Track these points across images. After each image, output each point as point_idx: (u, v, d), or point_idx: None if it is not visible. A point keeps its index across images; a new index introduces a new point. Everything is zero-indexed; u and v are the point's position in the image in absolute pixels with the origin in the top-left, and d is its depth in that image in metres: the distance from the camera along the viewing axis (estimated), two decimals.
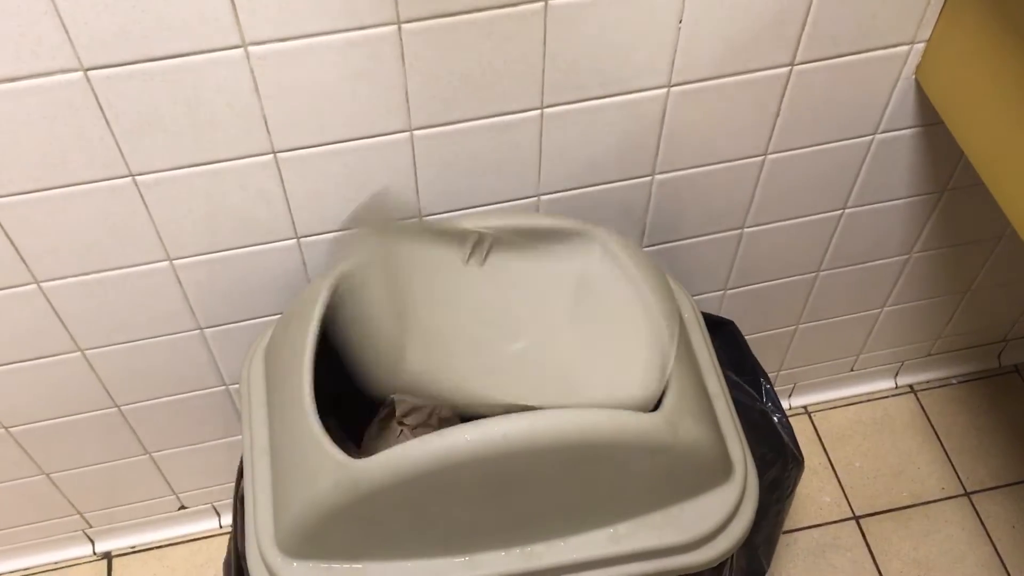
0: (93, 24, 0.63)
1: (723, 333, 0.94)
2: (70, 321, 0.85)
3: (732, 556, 0.74)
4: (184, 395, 0.98)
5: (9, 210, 0.74)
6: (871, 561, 1.19)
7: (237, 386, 1.00)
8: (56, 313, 0.84)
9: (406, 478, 0.62)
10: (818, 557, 1.19)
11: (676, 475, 0.70)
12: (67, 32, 0.63)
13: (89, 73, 0.66)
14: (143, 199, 0.76)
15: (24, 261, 0.79)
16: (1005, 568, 1.18)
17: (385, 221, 0.76)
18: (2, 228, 0.75)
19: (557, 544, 0.70)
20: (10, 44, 0.63)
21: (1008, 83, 0.74)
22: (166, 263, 0.83)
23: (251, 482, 0.73)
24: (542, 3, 0.70)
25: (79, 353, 0.89)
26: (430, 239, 0.74)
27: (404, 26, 0.69)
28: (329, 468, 0.64)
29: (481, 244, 0.74)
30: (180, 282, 0.85)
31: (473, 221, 0.75)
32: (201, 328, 0.90)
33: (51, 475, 1.04)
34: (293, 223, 0.82)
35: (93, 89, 0.67)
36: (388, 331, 0.69)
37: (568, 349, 0.71)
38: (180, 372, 0.95)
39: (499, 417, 0.62)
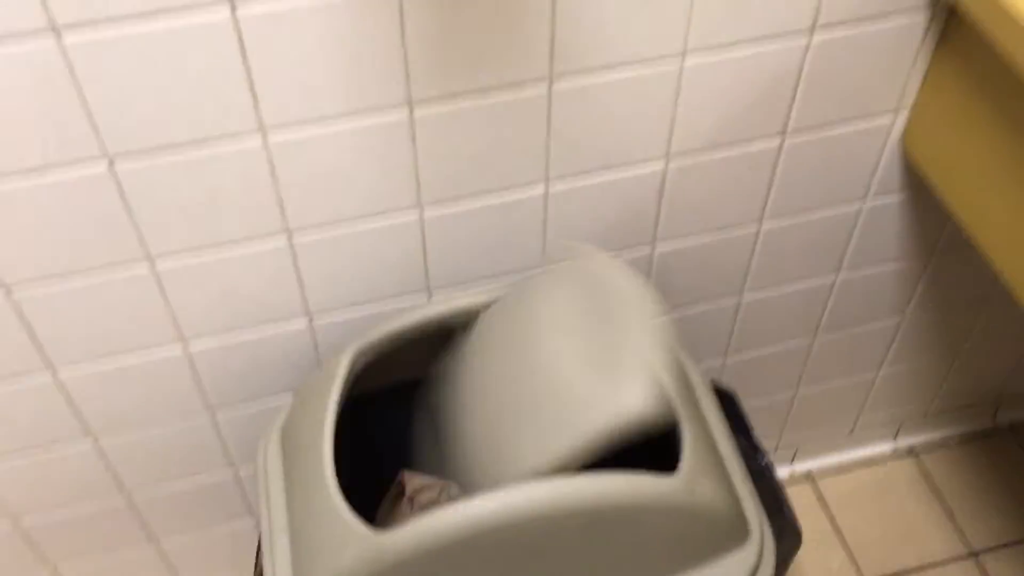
0: (119, 115, 0.66)
1: (724, 406, 0.95)
2: (81, 405, 0.86)
3: None
4: (192, 477, 0.98)
5: (27, 294, 0.75)
6: None
7: (246, 468, 1.00)
8: (68, 397, 0.85)
9: (432, 548, 0.63)
10: None
11: (694, 537, 0.70)
12: (93, 122, 0.66)
13: (114, 160, 0.68)
14: (159, 282, 0.78)
15: (39, 346, 0.80)
16: None
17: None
18: (19, 312, 0.77)
19: None
20: (38, 134, 0.65)
21: (992, 146, 0.77)
22: (179, 344, 0.84)
23: (271, 562, 0.73)
24: (546, 84, 0.74)
25: (90, 437, 0.89)
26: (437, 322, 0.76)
27: (415, 108, 0.72)
28: (354, 542, 0.64)
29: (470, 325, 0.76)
30: (192, 363, 0.86)
31: (468, 300, 0.77)
32: (212, 408, 0.91)
33: (57, 565, 1.03)
34: (305, 301, 0.84)
35: (116, 176, 0.69)
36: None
37: (567, 366, 0.71)
38: (189, 455, 0.95)
39: (520, 484, 0.63)
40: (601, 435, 0.65)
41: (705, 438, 0.74)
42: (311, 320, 0.86)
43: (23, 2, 0.59)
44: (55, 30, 0.60)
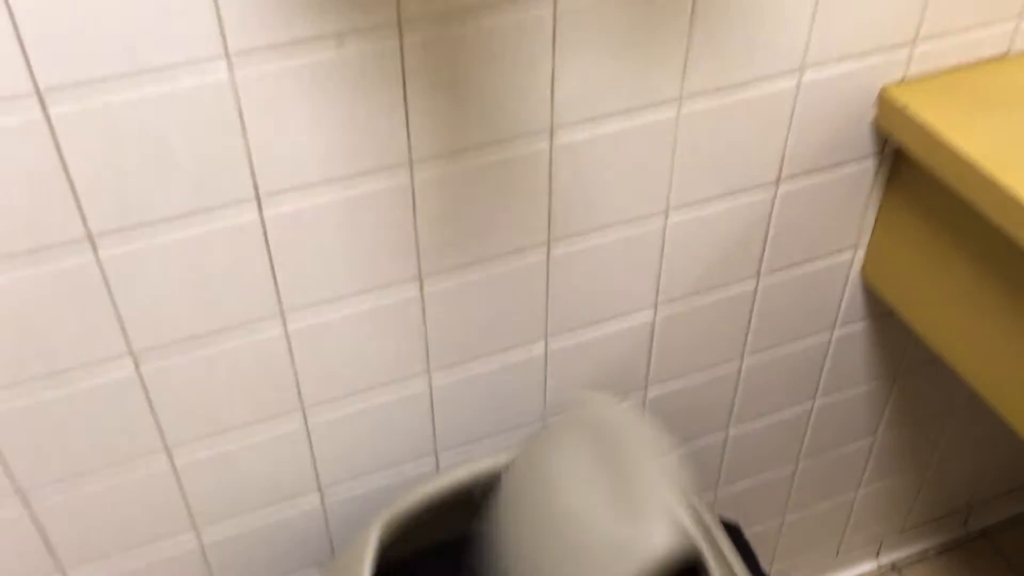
0: (148, 315, 0.68)
1: (732, 537, 0.98)
2: None
3: None
4: None
5: (43, 500, 0.75)
6: None
7: None
8: None
9: None
10: None
11: None
12: (122, 324, 0.67)
13: (139, 361, 0.70)
14: (176, 474, 0.78)
15: (52, 550, 0.78)
16: None
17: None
18: (34, 519, 0.75)
19: None
20: (68, 339, 0.67)
21: (946, 268, 0.84)
22: (192, 534, 0.83)
23: None
24: (544, 250, 0.78)
25: None
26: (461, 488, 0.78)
27: (425, 283, 0.76)
28: None
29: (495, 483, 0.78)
30: (204, 553, 0.85)
31: (488, 463, 0.79)
32: None
33: None
34: (318, 477, 0.85)
35: (141, 377, 0.71)
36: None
37: (594, 518, 0.73)
38: None
39: None
40: None
41: (728, 570, 0.76)
42: (322, 496, 0.86)
43: (64, 215, 0.61)
44: (90, 239, 0.63)
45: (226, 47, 0.59)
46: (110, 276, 0.65)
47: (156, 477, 0.77)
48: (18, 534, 0.76)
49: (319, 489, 0.86)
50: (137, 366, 0.70)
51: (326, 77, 0.62)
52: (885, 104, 0.82)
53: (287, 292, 0.71)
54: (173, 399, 0.73)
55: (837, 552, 1.33)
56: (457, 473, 0.80)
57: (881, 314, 1.02)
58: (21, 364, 0.66)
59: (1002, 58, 0.84)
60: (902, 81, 0.82)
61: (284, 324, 0.73)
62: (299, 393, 0.78)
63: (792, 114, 0.80)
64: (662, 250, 0.84)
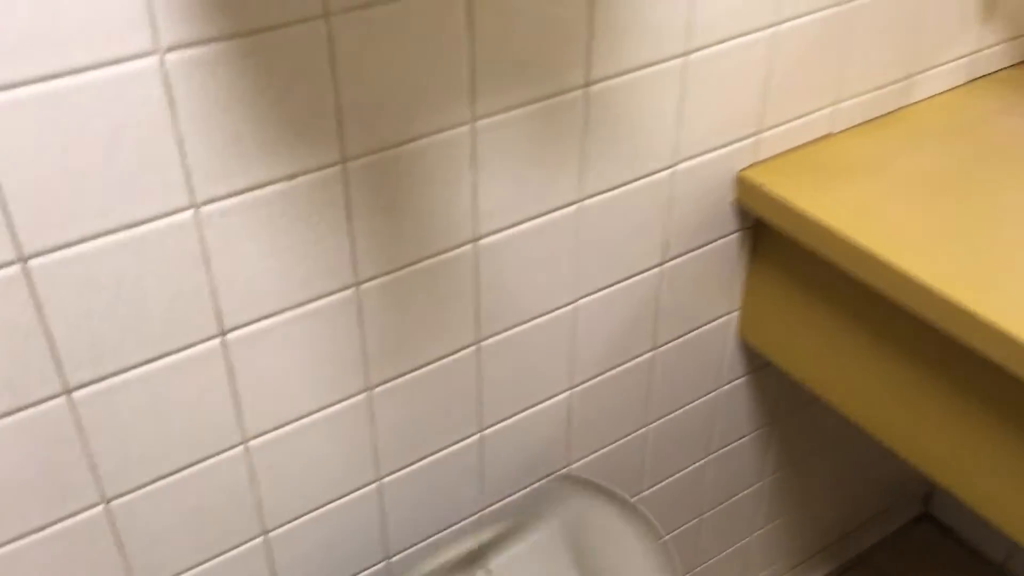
0: (113, 454, 0.70)
1: None
2: None
3: None
4: None
5: None
6: None
7: None
8: None
9: None
10: None
11: None
12: (94, 471, 0.69)
13: (110, 504, 0.72)
14: None
15: None
16: None
17: None
18: None
19: None
20: (40, 495, 0.68)
21: (813, 318, 0.97)
22: None
23: None
24: (475, 347, 0.86)
25: None
26: None
27: (374, 391, 0.81)
28: None
29: (479, 562, 0.83)
30: None
31: (460, 544, 0.84)
32: None
33: None
34: None
35: (112, 520, 0.72)
36: None
37: None
38: None
39: None
40: None
41: None
42: None
43: (40, 369, 0.64)
44: (66, 390, 0.65)
45: (193, 196, 0.64)
46: (83, 422, 0.67)
47: None
48: None
49: None
50: (106, 504, 0.72)
51: (280, 213, 0.68)
52: (743, 185, 0.95)
53: (248, 416, 0.75)
54: (141, 534, 0.75)
55: None
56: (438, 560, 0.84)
57: (758, 368, 1.14)
58: None
59: (828, 137, 0.99)
60: (754, 164, 0.95)
61: (246, 447, 0.76)
62: (260, 515, 0.81)
63: (669, 202, 0.91)
64: (574, 335, 0.93)
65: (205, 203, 0.64)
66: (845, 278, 0.92)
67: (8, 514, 0.67)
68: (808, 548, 1.47)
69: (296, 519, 0.83)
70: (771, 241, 1.00)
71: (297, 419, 0.78)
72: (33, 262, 0.60)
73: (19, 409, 0.64)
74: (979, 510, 0.88)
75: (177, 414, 0.71)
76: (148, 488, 0.73)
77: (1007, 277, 0.80)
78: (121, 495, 0.72)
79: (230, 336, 0.71)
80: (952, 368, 0.85)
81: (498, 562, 0.84)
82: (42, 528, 0.69)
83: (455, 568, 0.83)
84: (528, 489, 1.00)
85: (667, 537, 1.22)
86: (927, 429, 0.90)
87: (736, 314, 1.07)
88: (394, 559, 0.93)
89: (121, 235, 0.62)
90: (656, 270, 0.95)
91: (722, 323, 1.06)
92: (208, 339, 0.70)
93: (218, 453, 0.75)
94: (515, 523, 0.87)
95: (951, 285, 0.79)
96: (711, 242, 0.98)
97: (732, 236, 0.99)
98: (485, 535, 0.85)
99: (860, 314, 0.92)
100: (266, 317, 0.72)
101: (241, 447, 0.76)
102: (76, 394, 0.66)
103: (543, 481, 1.01)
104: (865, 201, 0.90)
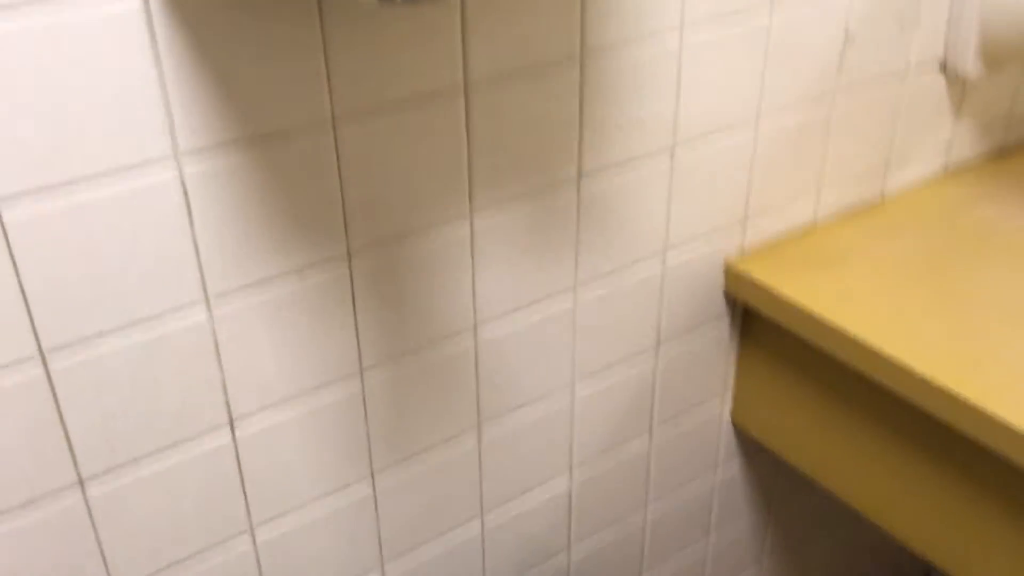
0: (125, 546, 0.71)
1: None
2: None
3: None
4: None
5: None
6: None
7: None
8: None
9: None
10: None
11: None
12: (106, 565, 0.71)
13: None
14: None
15: None
16: None
17: None
18: None
19: None
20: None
21: (804, 403, 1.00)
22: None
23: None
24: (475, 433, 0.88)
25: None
26: None
27: (376, 478, 0.83)
28: None
29: None
30: None
31: None
32: None
33: None
34: None
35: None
36: None
37: None
38: None
39: None
40: None
41: None
42: None
43: (57, 463, 0.66)
44: (80, 483, 0.67)
45: (206, 291, 0.67)
46: (96, 514, 0.69)
47: None
48: None
49: None
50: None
51: (289, 306, 0.71)
52: (730, 273, 0.99)
53: (255, 504, 0.77)
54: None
55: None
56: None
57: (753, 452, 1.16)
58: None
59: (812, 224, 1.04)
60: (741, 252, 0.99)
61: (253, 536, 0.78)
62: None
63: (661, 289, 0.95)
64: (572, 419, 0.95)
65: (218, 297, 0.67)
66: (832, 362, 0.95)
67: None
68: None
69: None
70: (759, 327, 1.03)
71: (303, 506, 0.80)
72: (54, 363, 0.63)
73: (34, 501, 0.66)
74: None
75: (187, 503, 0.73)
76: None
77: (987, 358, 0.83)
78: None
79: (238, 425, 0.73)
80: (940, 449, 0.88)
81: None
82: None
83: None
84: (530, 573, 1.01)
85: None
86: (920, 510, 0.92)
87: (729, 399, 1.09)
88: None
89: (138, 332, 0.65)
90: (650, 354, 0.98)
91: (715, 408, 1.09)
92: (217, 428, 0.72)
93: (225, 541, 0.77)
94: None
95: (933, 367, 0.82)
96: (702, 326, 1.01)
97: (722, 322, 1.02)
98: None
99: (848, 398, 0.95)
100: (273, 406, 0.74)
101: (247, 537, 0.78)
102: (89, 486, 0.68)
103: (545, 564, 1.02)
104: (847, 287, 0.93)
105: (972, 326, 0.87)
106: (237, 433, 0.73)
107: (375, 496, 0.84)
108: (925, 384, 0.82)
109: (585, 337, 0.91)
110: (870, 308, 0.90)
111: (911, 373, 0.82)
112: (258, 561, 0.79)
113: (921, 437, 0.89)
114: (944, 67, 1.05)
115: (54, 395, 0.64)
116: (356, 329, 0.76)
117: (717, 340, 1.03)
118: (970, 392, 0.79)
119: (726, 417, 1.10)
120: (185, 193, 0.63)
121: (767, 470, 1.20)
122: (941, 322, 0.88)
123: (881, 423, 0.92)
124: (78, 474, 0.67)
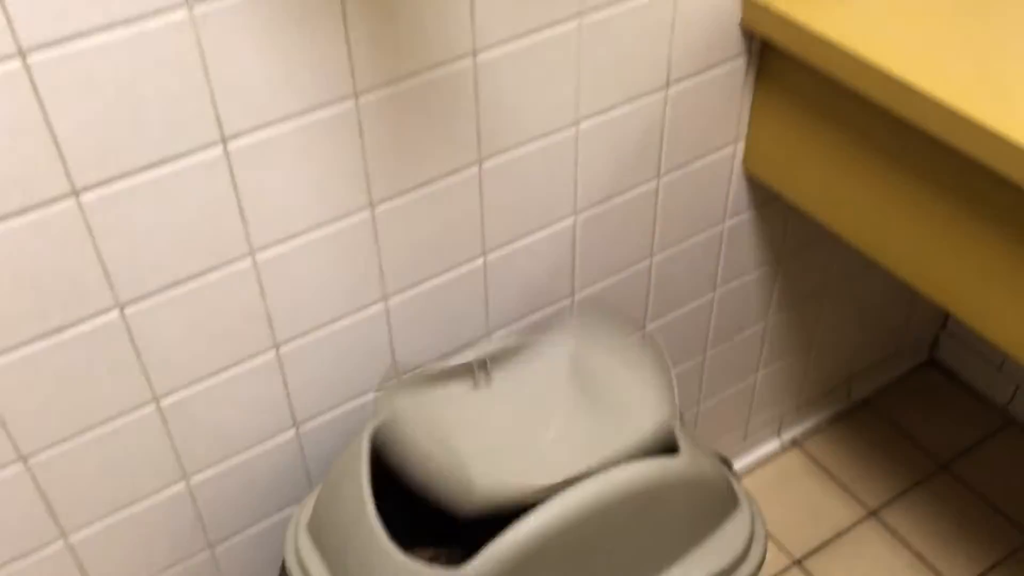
0: (125, 259, 0.72)
1: None
2: (90, 568, 0.86)
3: None
4: None
5: (41, 460, 0.77)
6: None
7: None
8: (75, 557, 0.85)
9: (509, 565, 0.70)
10: None
11: (703, 507, 0.82)
12: (108, 277, 0.71)
13: (125, 310, 0.74)
14: (164, 421, 0.82)
15: (54, 514, 0.81)
16: (930, 565, 1.36)
17: (399, 381, 0.86)
18: (35, 481, 0.78)
19: None
20: (57, 297, 0.70)
21: (822, 145, 0.97)
22: (183, 483, 0.87)
23: None
24: (476, 166, 0.86)
25: None
26: (441, 382, 0.85)
27: (376, 207, 0.82)
28: None
29: (482, 370, 0.86)
30: (194, 498, 0.89)
31: (466, 355, 0.86)
32: (212, 544, 0.94)
33: None
34: (293, 412, 0.90)
35: (126, 321, 0.75)
36: (444, 460, 0.78)
37: (589, 417, 0.82)
38: None
39: (570, 489, 0.73)
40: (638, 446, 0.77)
41: (688, 436, 0.87)
42: (298, 429, 0.92)
43: (46, 170, 0.65)
44: (75, 192, 0.67)
45: None
46: (92, 222, 0.69)
47: (145, 426, 0.81)
48: (20, 499, 0.78)
49: (295, 424, 0.91)
50: (122, 311, 0.74)
51: (276, 15, 0.68)
52: (749, 4, 0.93)
53: (254, 226, 0.77)
54: (157, 345, 0.77)
55: (745, 436, 1.46)
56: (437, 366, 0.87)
57: (764, 202, 1.14)
58: (15, 320, 0.70)
59: None
60: None
61: (254, 259, 0.78)
62: (271, 328, 0.83)
63: (673, 20, 0.90)
64: (576, 159, 0.93)
65: (200, 1, 0.64)
66: (855, 100, 0.91)
67: (28, 315, 0.70)
68: (813, 390, 1.50)
69: (305, 334, 0.86)
70: (778, 66, 0.98)
71: (303, 232, 0.79)
72: (33, 56, 0.60)
73: (30, 208, 0.66)
74: (990, 336, 0.89)
75: (184, 220, 0.73)
76: (161, 296, 0.75)
77: (1017, 90, 0.79)
78: (134, 300, 0.74)
79: (231, 143, 0.71)
80: (964, 188, 0.85)
81: (500, 375, 0.87)
82: (61, 329, 0.72)
83: (457, 372, 0.86)
84: (534, 316, 1.02)
85: (672, 371, 1.24)
86: (938, 254, 0.90)
87: (741, 145, 1.06)
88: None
89: (120, 29, 0.63)
90: (659, 94, 0.94)
91: (727, 153, 1.06)
92: (209, 145, 0.70)
93: (227, 263, 0.77)
94: (520, 342, 0.89)
95: (963, 98, 0.78)
96: (716, 66, 0.97)
97: (738, 61, 0.98)
98: (490, 347, 0.87)
99: (870, 137, 0.92)
100: (265, 123, 0.72)
101: (249, 259, 0.78)
102: (83, 194, 0.67)
103: (549, 308, 1.03)
104: (875, 18, 0.88)
105: (1003, 60, 0.83)
106: (230, 147, 0.72)
107: (375, 227, 0.83)
108: (951, 115, 0.78)
109: (589, 69, 0.87)
110: (898, 40, 0.85)
111: (938, 104, 0.79)
112: (261, 285, 0.80)
113: (945, 176, 0.86)
114: None
115: (36, 92, 0.62)
116: (348, 44, 0.72)
117: (733, 80, 0.99)
118: (999, 123, 0.76)
119: (738, 164, 1.08)
120: None
121: (777, 222, 1.18)
122: (971, 54, 0.83)
123: (902, 164, 0.90)
124: (71, 181, 0.66)
